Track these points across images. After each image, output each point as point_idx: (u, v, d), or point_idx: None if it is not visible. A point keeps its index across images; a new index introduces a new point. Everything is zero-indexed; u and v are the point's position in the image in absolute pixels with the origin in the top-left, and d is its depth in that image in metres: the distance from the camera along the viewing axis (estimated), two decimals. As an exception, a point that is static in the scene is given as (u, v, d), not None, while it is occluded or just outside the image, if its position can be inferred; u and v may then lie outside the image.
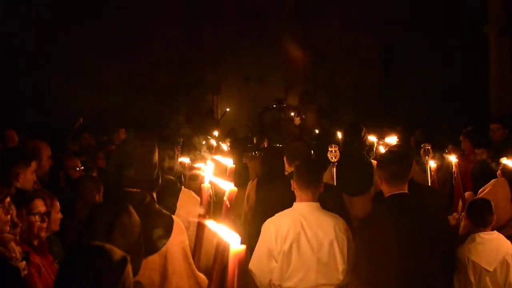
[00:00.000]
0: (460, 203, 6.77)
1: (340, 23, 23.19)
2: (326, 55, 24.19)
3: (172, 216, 3.98)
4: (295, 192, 4.94)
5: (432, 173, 7.04)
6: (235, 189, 2.78)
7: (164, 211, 3.93)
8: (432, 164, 7.07)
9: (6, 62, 21.08)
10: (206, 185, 3.26)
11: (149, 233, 3.62)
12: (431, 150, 6.92)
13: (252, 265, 4.85)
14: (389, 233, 4.55)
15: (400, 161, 4.75)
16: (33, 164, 5.38)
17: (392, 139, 8.89)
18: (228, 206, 2.82)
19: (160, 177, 3.98)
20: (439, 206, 5.85)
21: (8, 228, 4.01)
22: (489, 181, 6.81)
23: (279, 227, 4.78)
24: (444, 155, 8.56)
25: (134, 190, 3.75)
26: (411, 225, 4.57)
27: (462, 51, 20.35)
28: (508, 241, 5.49)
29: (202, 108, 23.34)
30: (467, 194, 7.04)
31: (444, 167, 8.30)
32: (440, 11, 21.24)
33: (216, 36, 24.67)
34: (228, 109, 23.16)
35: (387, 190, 4.73)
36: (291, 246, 4.72)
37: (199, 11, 24.26)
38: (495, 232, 5.52)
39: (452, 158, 7.18)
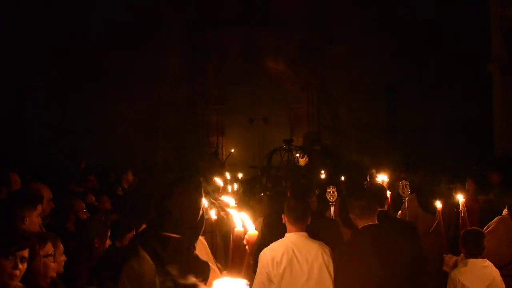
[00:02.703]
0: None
1: (344, 63, 23.33)
2: (331, 95, 24.30)
3: (210, 264, 3.88)
4: (286, 224, 5.64)
5: (438, 213, 7.08)
6: (256, 232, 2.71)
7: (200, 258, 3.82)
8: (438, 204, 7.11)
9: (11, 105, 21.26)
10: (239, 229, 3.09)
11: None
12: (408, 187, 7.37)
13: None
14: (363, 259, 5.17)
15: (365, 196, 5.47)
16: (39, 207, 5.38)
17: (384, 177, 9.41)
18: (248, 250, 2.76)
19: (203, 224, 3.88)
20: (410, 235, 6.34)
21: (14, 283, 3.93)
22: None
23: (274, 254, 5.47)
24: (451, 194, 8.55)
25: (173, 235, 3.64)
26: (383, 252, 5.19)
27: (466, 89, 20.44)
28: (497, 270, 5.97)
29: (207, 150, 23.37)
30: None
31: (448, 207, 8.27)
32: (444, 49, 21.37)
33: (220, 77, 24.80)
34: (233, 150, 23.15)
35: (359, 223, 5.39)
36: (284, 269, 5.38)
37: (203, 52, 24.46)
38: (487, 260, 5.99)
39: (459, 197, 7.22)
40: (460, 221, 7.34)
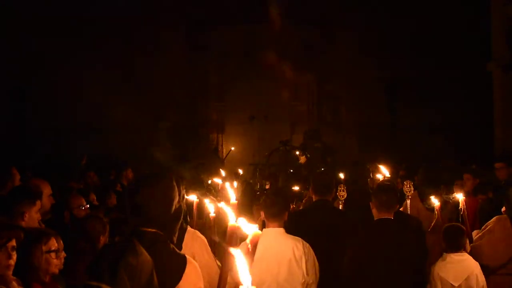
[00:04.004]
0: (467, 240, 6.75)
1: (345, 61, 23.33)
2: (331, 92, 24.31)
3: (188, 257, 3.87)
4: (265, 220, 5.86)
5: (436, 211, 7.11)
6: (259, 232, 2.72)
7: (178, 251, 3.82)
8: (436, 202, 7.14)
9: (14, 102, 21.30)
10: (232, 224, 3.15)
11: (159, 275, 3.51)
12: (412, 187, 7.63)
13: None
14: (373, 251, 5.53)
15: (389, 192, 5.73)
16: (38, 203, 5.38)
17: (385, 170, 9.59)
18: (250, 250, 2.76)
19: (180, 217, 3.88)
20: (417, 230, 6.64)
21: (10, 272, 4.00)
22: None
23: (247, 248, 5.45)
24: (451, 194, 8.56)
25: (149, 229, 3.66)
26: (391, 245, 5.51)
27: (466, 88, 20.44)
28: (476, 263, 6.19)
29: (207, 147, 23.39)
30: (474, 232, 7.02)
31: (448, 205, 8.28)
32: (444, 47, 21.37)
33: (220, 75, 24.82)
34: (233, 148, 23.15)
35: (376, 214, 5.70)
36: (255, 263, 5.31)
37: (203, 50, 24.47)
38: (466, 254, 6.26)
39: (459, 196, 7.24)
40: (460, 219, 7.35)
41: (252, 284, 4.10)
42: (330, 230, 6.14)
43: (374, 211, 5.71)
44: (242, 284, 2.20)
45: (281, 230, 5.77)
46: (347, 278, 5.67)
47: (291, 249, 5.64)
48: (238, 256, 2.31)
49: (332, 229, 6.15)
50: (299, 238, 5.74)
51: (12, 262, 4.00)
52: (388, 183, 6.60)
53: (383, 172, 9.83)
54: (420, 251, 5.81)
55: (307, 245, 5.71)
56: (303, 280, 5.61)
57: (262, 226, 6.40)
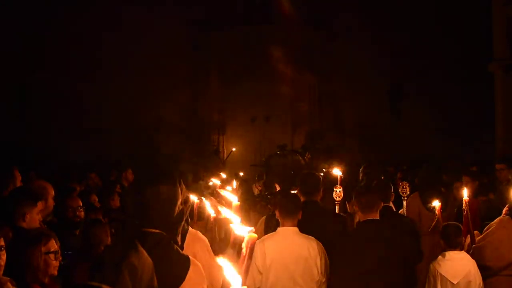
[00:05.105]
0: (468, 240, 6.75)
1: (347, 62, 23.34)
2: (333, 94, 24.33)
3: (192, 258, 3.85)
4: (279, 219, 5.84)
5: (437, 212, 7.10)
6: (255, 235, 2.70)
7: (182, 252, 3.80)
8: (436, 203, 7.12)
9: (14, 102, 21.31)
10: (236, 230, 3.15)
11: (163, 275, 3.50)
12: (408, 188, 7.59)
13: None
14: (359, 252, 5.43)
15: (369, 193, 5.67)
16: (39, 204, 5.35)
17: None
18: (244, 254, 2.74)
19: (183, 218, 3.87)
20: (410, 231, 6.52)
21: (0, 272, 3.96)
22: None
23: (263, 246, 5.75)
24: (452, 193, 8.55)
25: (153, 230, 3.64)
26: (377, 246, 5.42)
27: (467, 88, 20.44)
28: (474, 262, 6.14)
29: (208, 148, 23.39)
30: (474, 233, 7.01)
31: (448, 206, 8.26)
32: (446, 49, 21.37)
33: (222, 75, 24.82)
34: (234, 149, 23.15)
35: (361, 216, 5.61)
36: (272, 262, 5.65)
37: (205, 51, 24.48)
38: (464, 252, 6.21)
39: (464, 195, 7.24)
40: (463, 219, 7.35)
41: (268, 282, 4.13)
42: (316, 230, 6.02)
43: (359, 214, 5.69)
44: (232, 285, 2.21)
45: (296, 229, 5.82)
46: (335, 279, 5.65)
47: (306, 248, 5.73)
48: (224, 261, 2.33)
49: (319, 230, 6.04)
50: (313, 238, 5.79)
51: (2, 262, 3.95)
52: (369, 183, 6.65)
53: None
54: (408, 251, 5.67)
55: (321, 244, 5.76)
56: (317, 279, 5.70)
57: (265, 231, 6.41)
